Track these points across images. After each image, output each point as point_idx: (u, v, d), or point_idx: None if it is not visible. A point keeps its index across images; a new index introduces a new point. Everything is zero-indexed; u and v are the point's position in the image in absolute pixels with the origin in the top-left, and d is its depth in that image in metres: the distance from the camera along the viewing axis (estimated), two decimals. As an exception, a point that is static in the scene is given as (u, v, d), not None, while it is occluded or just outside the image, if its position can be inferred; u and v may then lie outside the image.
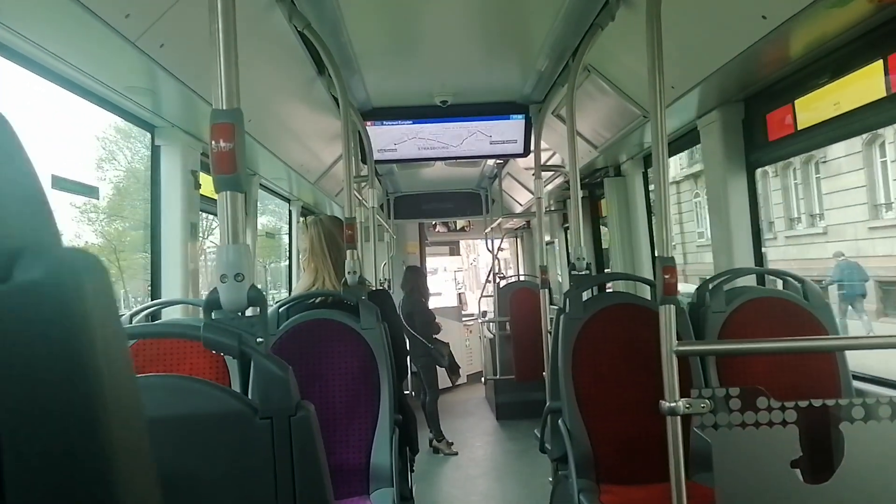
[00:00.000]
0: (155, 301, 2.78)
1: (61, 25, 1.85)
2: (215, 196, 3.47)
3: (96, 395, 0.32)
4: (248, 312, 1.28)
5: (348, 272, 2.50)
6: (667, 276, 1.72)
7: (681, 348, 1.72)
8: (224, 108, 1.26)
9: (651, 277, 4.18)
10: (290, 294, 4.73)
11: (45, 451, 0.30)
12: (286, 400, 1.10)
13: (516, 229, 9.53)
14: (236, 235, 1.27)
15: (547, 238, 6.78)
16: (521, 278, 8.18)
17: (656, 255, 1.75)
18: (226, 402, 1.11)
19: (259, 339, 1.20)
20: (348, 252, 2.53)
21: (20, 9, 1.74)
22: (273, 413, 1.09)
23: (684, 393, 1.69)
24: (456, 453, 5.73)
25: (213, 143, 1.22)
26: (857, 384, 2.51)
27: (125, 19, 1.89)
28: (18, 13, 1.76)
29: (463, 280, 12.42)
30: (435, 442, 5.83)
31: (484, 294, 8.15)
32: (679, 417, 1.70)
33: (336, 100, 3.65)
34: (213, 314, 1.24)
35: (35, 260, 0.31)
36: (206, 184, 3.16)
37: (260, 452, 1.08)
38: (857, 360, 2.57)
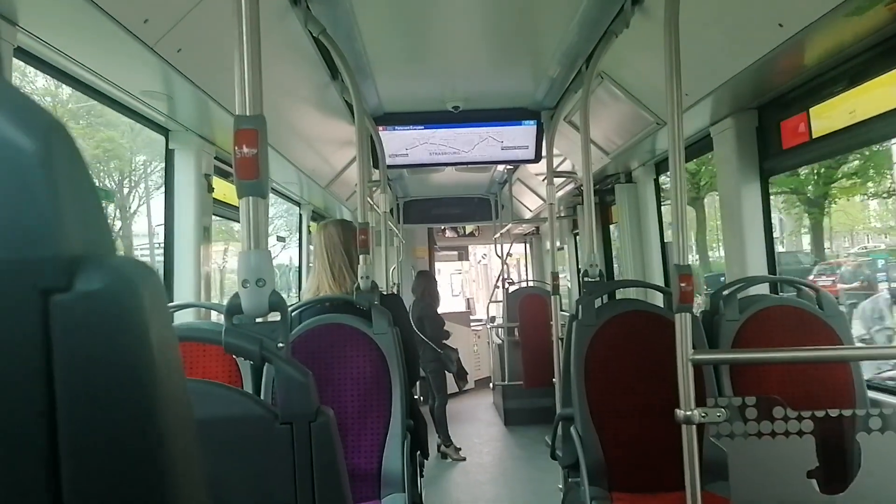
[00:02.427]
0: (168, 304, 2.79)
1: (80, 30, 1.87)
2: (226, 200, 3.48)
3: (154, 400, 0.32)
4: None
5: (361, 277, 2.50)
6: (682, 284, 1.71)
7: (697, 357, 1.72)
8: (248, 113, 1.27)
9: (662, 284, 4.17)
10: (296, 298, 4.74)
11: (104, 456, 0.31)
12: (307, 405, 1.10)
13: (525, 235, 9.52)
14: (258, 241, 1.28)
15: (557, 244, 6.77)
16: (530, 284, 8.17)
17: (673, 262, 1.75)
18: (247, 407, 1.11)
19: (280, 345, 1.20)
20: (361, 257, 2.53)
21: (41, 14, 1.76)
22: (293, 418, 1.09)
23: (698, 402, 1.69)
24: (464, 459, 5.71)
25: (236, 148, 1.23)
26: (871, 394, 2.49)
27: (143, 24, 1.91)
28: (39, 18, 1.78)
29: (461, 286, 12.01)
30: (443, 447, 5.81)
31: (493, 300, 8.16)
32: (694, 426, 1.69)
33: (348, 105, 3.67)
34: (233, 319, 1.25)
35: (95, 269, 0.31)
36: (219, 188, 3.18)
37: (280, 457, 1.08)
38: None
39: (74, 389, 0.31)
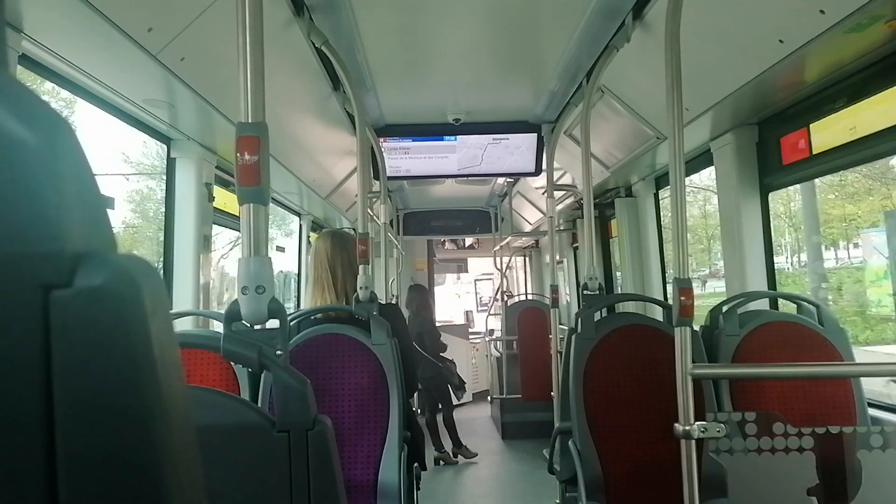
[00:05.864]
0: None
1: (85, 39, 1.88)
2: (226, 209, 3.47)
3: (153, 400, 0.32)
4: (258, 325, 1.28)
5: (360, 287, 2.49)
6: (683, 298, 1.71)
7: (697, 371, 1.71)
8: (250, 120, 1.27)
9: (661, 298, 4.17)
10: (297, 308, 4.74)
11: (101, 456, 0.30)
12: (304, 414, 1.09)
13: (525, 248, 9.53)
14: (258, 248, 1.27)
15: (557, 257, 6.78)
16: (530, 297, 8.17)
17: (673, 276, 1.74)
18: (244, 415, 1.10)
19: (278, 352, 1.19)
20: (360, 267, 2.52)
21: (46, 22, 1.77)
22: (291, 426, 1.08)
23: (698, 417, 1.68)
24: (475, 454, 5.96)
25: (237, 155, 1.23)
26: (872, 411, 2.48)
27: (147, 33, 1.92)
28: (44, 26, 1.79)
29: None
30: (454, 448, 5.96)
31: (491, 312, 8.15)
32: (693, 441, 1.68)
33: (350, 116, 3.68)
34: (232, 326, 1.24)
35: (95, 266, 0.31)
36: (219, 197, 3.18)
37: (276, 466, 1.07)
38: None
39: (73, 386, 0.30)
